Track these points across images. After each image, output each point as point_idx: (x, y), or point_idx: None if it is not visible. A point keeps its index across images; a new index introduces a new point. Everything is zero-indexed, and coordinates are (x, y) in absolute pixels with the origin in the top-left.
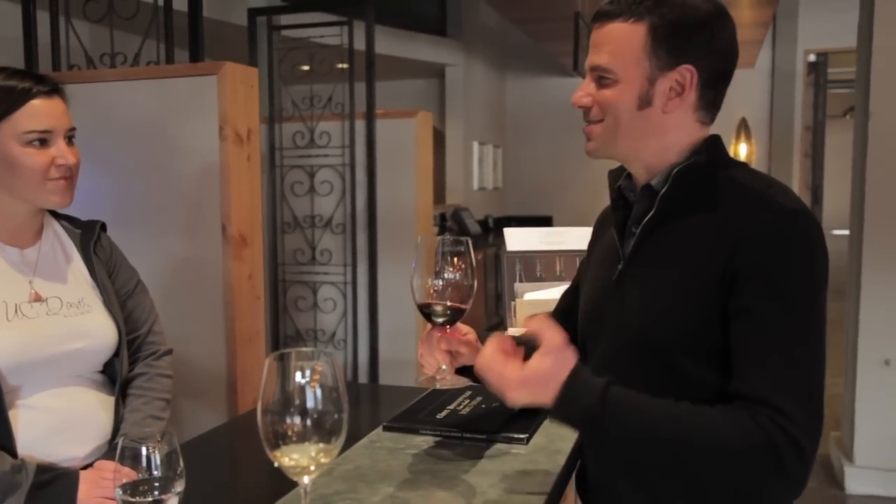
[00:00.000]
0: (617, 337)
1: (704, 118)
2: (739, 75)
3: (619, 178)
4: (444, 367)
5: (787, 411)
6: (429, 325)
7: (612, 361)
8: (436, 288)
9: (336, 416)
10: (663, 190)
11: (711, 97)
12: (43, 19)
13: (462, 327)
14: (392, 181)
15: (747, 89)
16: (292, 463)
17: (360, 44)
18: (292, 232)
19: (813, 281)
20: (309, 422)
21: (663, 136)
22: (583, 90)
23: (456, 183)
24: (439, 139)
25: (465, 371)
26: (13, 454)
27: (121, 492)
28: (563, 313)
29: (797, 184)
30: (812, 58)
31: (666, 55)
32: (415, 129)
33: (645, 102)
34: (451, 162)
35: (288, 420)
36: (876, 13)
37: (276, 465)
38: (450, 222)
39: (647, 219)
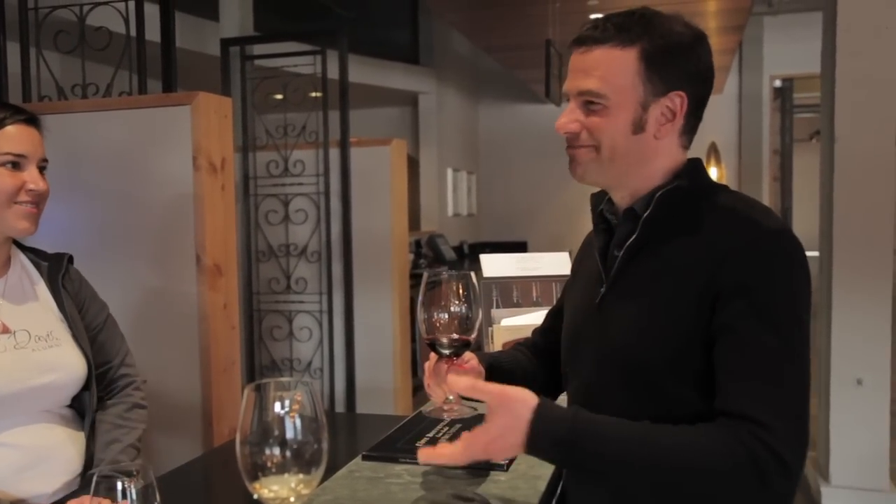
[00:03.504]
0: (600, 359)
1: (686, 142)
2: (709, 100)
3: (601, 202)
4: (450, 397)
5: (767, 424)
6: (433, 357)
7: (595, 384)
8: (441, 322)
9: (316, 446)
10: (646, 213)
11: (693, 123)
12: (13, 50)
13: (464, 355)
14: (367, 209)
15: (716, 114)
16: (272, 494)
17: (333, 72)
18: (267, 261)
19: (796, 300)
20: (289, 452)
21: (652, 162)
22: (568, 116)
23: (431, 209)
24: (413, 166)
25: None
26: None
27: None
28: (544, 332)
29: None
30: (778, 83)
31: (659, 81)
32: (389, 157)
33: (639, 128)
34: (425, 189)
35: (267, 451)
36: (838, 41)
37: (255, 497)
38: (425, 249)
39: (629, 242)
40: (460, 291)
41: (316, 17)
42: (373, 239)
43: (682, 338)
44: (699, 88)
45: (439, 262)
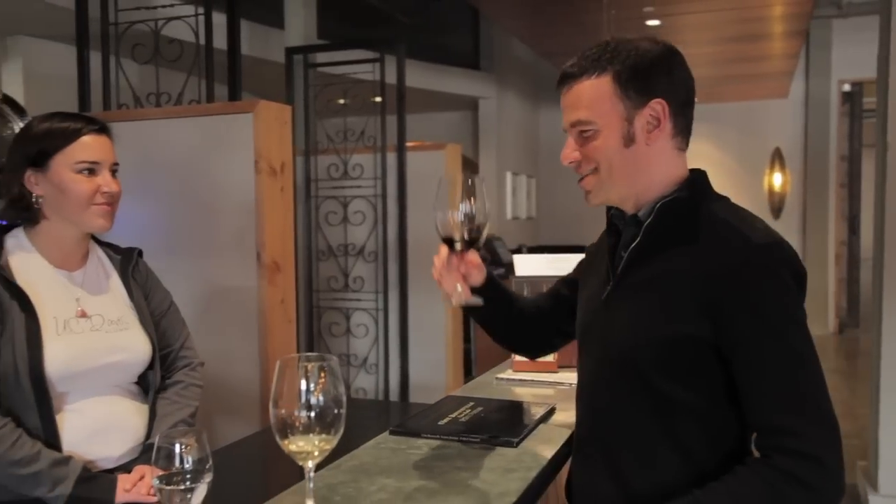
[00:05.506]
0: (603, 354)
1: (681, 144)
2: (773, 105)
3: (611, 208)
4: (459, 288)
5: (795, 430)
6: (443, 250)
7: (598, 377)
8: (456, 219)
9: (336, 411)
10: (648, 221)
11: (683, 124)
12: (95, 61)
13: (470, 253)
14: (423, 211)
15: (781, 119)
16: (298, 449)
17: (392, 78)
18: (326, 260)
19: (787, 306)
20: (313, 415)
21: (649, 170)
22: (569, 148)
23: (489, 212)
24: (473, 170)
25: (475, 291)
26: (59, 451)
27: (157, 482)
28: (551, 294)
29: (833, 214)
30: (847, 87)
31: (636, 94)
32: (444, 161)
33: (629, 140)
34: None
35: (295, 413)
36: (892, 45)
37: (286, 452)
38: (483, 251)
39: (632, 246)
40: (473, 193)
41: (378, 24)
42: (428, 240)
43: (674, 341)
44: (677, 93)
45: (496, 263)
